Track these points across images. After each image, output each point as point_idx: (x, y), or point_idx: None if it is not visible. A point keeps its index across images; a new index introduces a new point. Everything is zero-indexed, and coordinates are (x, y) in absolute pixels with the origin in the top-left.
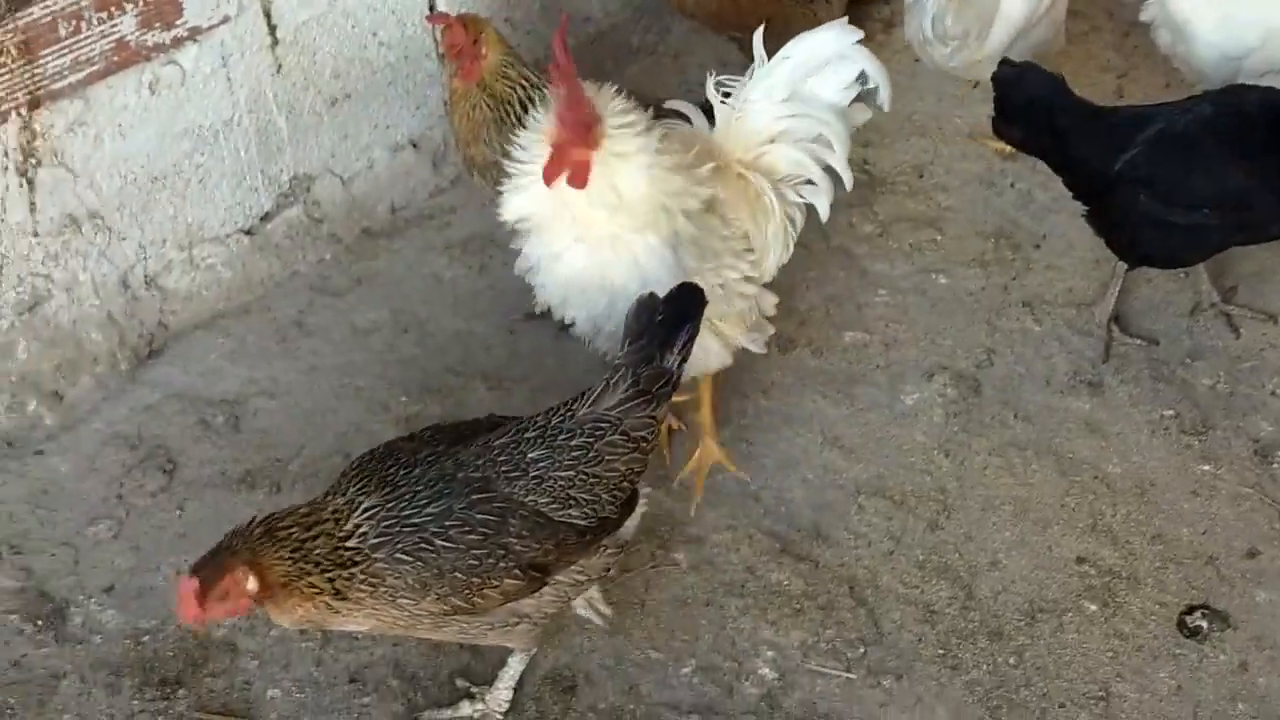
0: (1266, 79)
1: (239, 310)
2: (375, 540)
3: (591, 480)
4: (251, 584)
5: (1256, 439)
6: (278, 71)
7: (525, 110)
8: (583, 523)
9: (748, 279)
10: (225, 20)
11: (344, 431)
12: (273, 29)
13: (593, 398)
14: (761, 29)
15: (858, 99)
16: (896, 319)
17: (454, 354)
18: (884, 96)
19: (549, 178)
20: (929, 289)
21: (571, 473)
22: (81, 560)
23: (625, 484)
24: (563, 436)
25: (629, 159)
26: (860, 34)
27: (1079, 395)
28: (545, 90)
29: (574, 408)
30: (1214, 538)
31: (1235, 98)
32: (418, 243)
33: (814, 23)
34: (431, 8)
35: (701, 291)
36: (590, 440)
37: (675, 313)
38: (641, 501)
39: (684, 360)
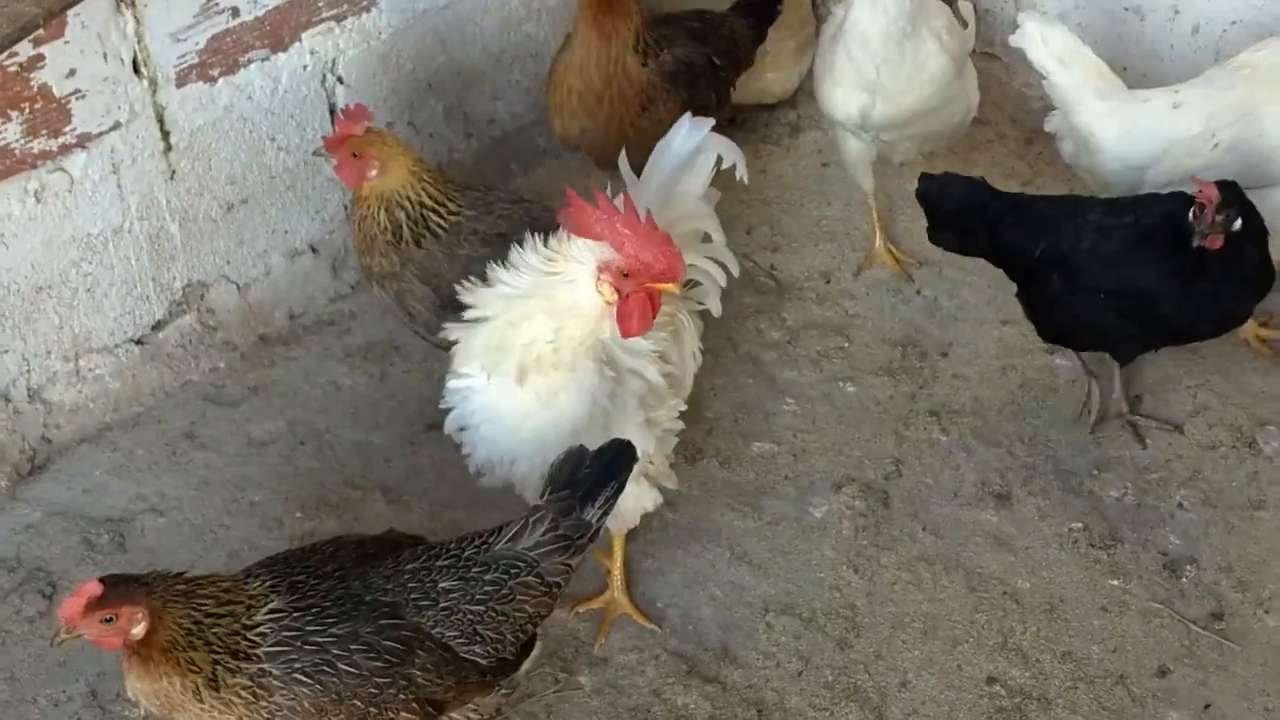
0: (1169, 190)
1: (128, 422)
2: (272, 648)
3: (500, 618)
4: (139, 629)
5: (1165, 552)
6: (171, 178)
7: (419, 228)
8: (484, 661)
9: (680, 414)
10: (116, 126)
11: (236, 549)
12: (166, 135)
13: (510, 534)
14: (623, 151)
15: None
16: (804, 429)
17: (353, 466)
18: (741, 170)
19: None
20: (837, 398)
21: (482, 608)
22: None
23: (530, 626)
24: (476, 569)
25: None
26: (711, 121)
27: (986, 507)
28: (445, 208)
29: (490, 541)
30: (1124, 656)
31: (1149, 203)
32: (316, 350)
33: None
34: (332, 111)
35: (634, 450)
36: (504, 577)
37: (603, 468)
38: (539, 645)
39: (605, 515)
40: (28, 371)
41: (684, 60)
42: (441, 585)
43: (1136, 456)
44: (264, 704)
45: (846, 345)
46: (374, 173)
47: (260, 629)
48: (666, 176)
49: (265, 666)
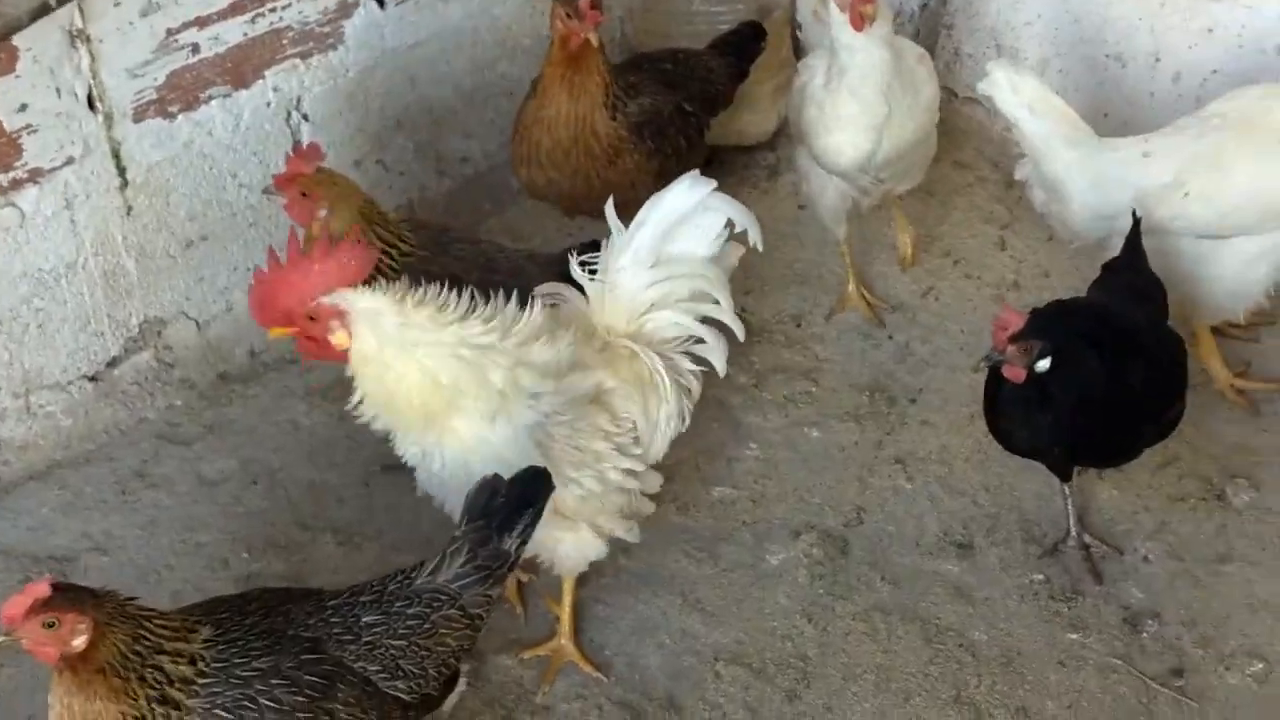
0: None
1: (78, 460)
2: (198, 685)
3: (422, 653)
4: (80, 640)
5: (1127, 606)
6: (127, 213)
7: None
8: (407, 697)
9: (630, 472)
10: (69, 162)
11: (179, 590)
12: (122, 170)
13: (430, 569)
14: (611, 201)
15: (728, 240)
16: (766, 474)
17: (305, 507)
18: (755, 237)
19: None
20: (801, 443)
21: (404, 642)
22: None
23: (452, 660)
24: (399, 604)
25: (420, 346)
26: (713, 182)
27: (948, 558)
28: (396, 249)
29: (411, 576)
30: (1080, 713)
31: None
32: (276, 388)
33: None
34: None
35: (548, 477)
36: (426, 611)
37: (518, 496)
38: (462, 681)
39: (524, 543)
40: None
41: (651, 110)
42: (364, 620)
43: (1103, 507)
44: None
45: (814, 390)
46: (323, 213)
47: (197, 666)
48: (657, 230)
49: (186, 704)
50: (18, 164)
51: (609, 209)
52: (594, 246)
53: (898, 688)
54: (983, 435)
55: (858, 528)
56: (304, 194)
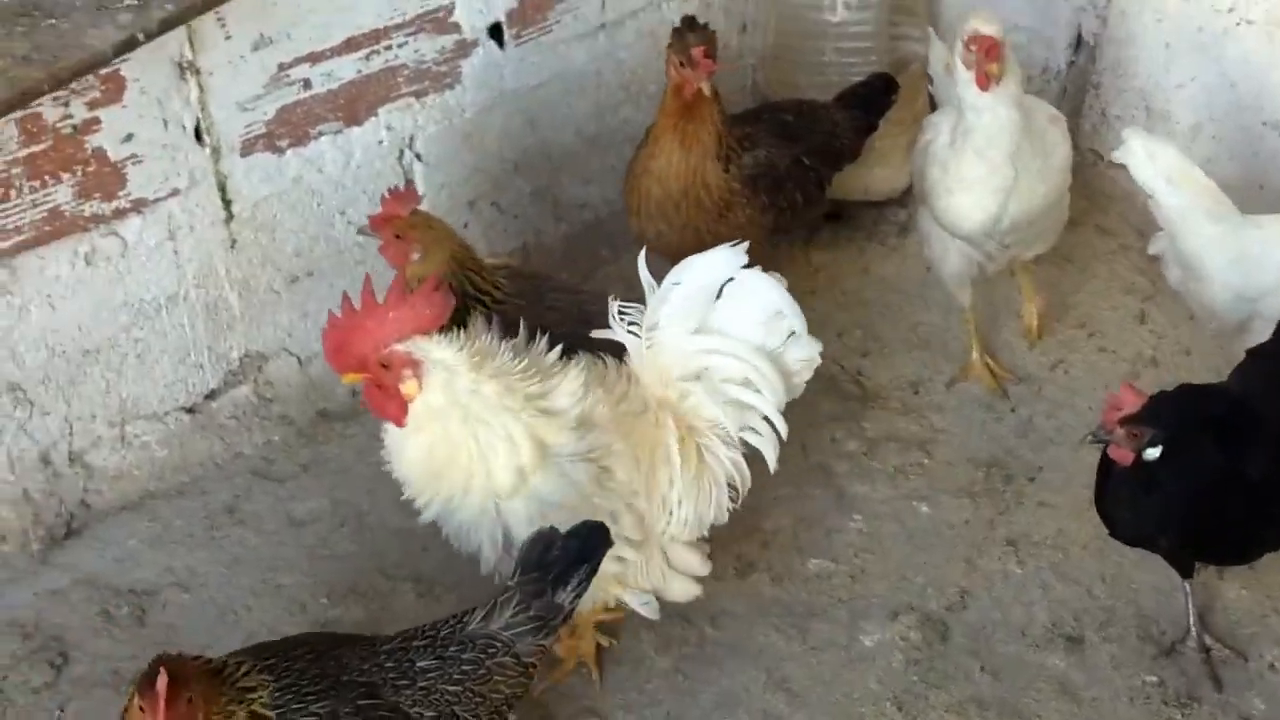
0: None
1: (171, 492)
2: None
3: (476, 699)
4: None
5: (1246, 717)
6: (231, 247)
7: (461, 315)
8: None
9: (627, 540)
10: (174, 193)
11: (254, 631)
12: (228, 203)
13: (483, 614)
14: (644, 252)
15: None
16: (868, 548)
17: (390, 554)
18: (798, 326)
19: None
20: (908, 518)
21: (459, 688)
22: None
23: (505, 708)
24: (454, 648)
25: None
26: (744, 257)
27: (1055, 650)
28: (490, 297)
29: (465, 620)
30: None
31: None
32: (374, 428)
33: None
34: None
35: (606, 532)
36: (481, 656)
37: (574, 551)
38: None
39: (578, 597)
40: (70, 435)
41: (766, 164)
42: (419, 665)
43: (1229, 607)
44: None
45: (926, 461)
46: (416, 256)
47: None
48: (691, 294)
49: None
50: (121, 193)
51: (640, 260)
52: None
53: None
54: (1098, 524)
55: (961, 612)
56: (398, 236)
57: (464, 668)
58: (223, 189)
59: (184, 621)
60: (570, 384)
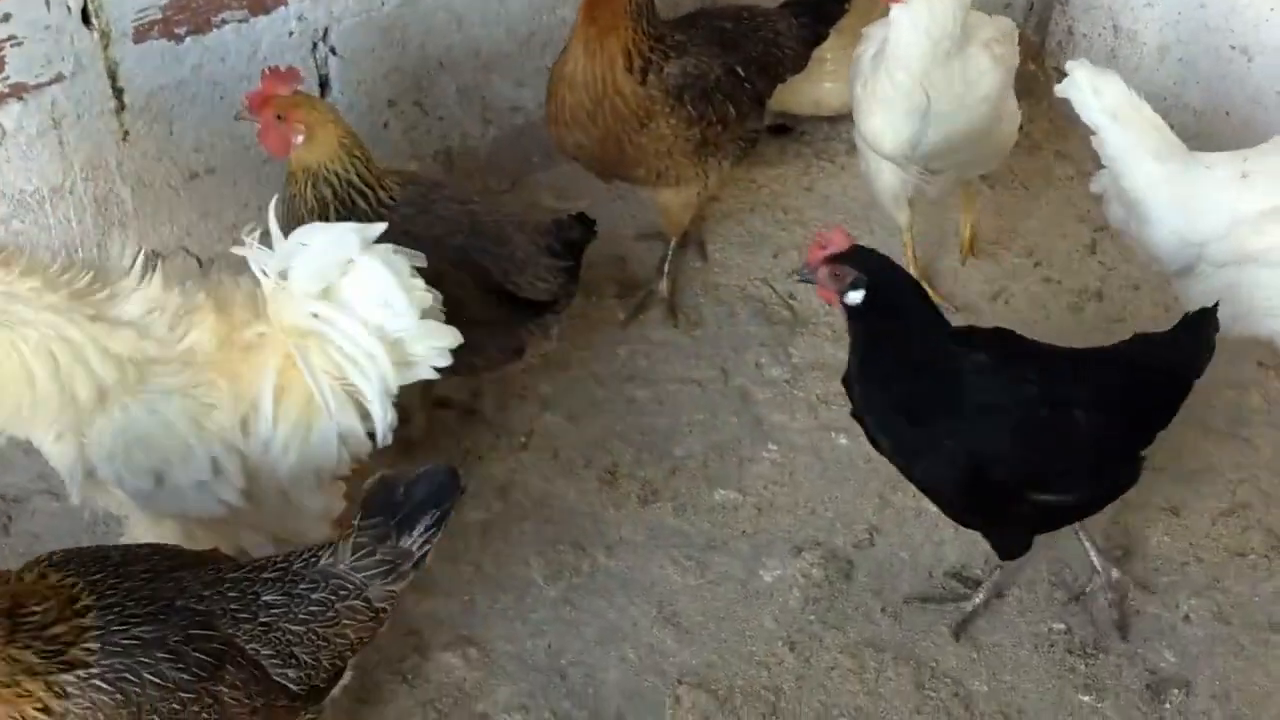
0: (1227, 270)
1: None
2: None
3: (319, 643)
4: None
5: (1154, 670)
6: (124, 139)
7: (345, 209)
8: (295, 687)
9: (233, 486)
10: (58, 79)
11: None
12: (119, 93)
13: (331, 553)
14: (275, 201)
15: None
16: (779, 480)
17: None
18: (406, 325)
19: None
20: (825, 450)
21: (303, 628)
22: None
23: (347, 654)
24: (303, 586)
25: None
26: (374, 232)
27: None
28: (374, 194)
29: (319, 555)
30: None
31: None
32: None
33: (703, 182)
34: (323, 84)
35: (458, 477)
36: (332, 599)
37: (420, 495)
38: (348, 673)
39: (428, 543)
40: None
41: (694, 74)
42: (264, 598)
43: (1149, 553)
44: (57, 715)
45: None
46: (299, 138)
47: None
48: (316, 262)
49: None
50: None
51: (270, 211)
52: (588, 221)
53: None
54: None
55: (868, 549)
56: (280, 118)
57: (311, 608)
58: (113, 76)
59: (50, 530)
60: (149, 293)
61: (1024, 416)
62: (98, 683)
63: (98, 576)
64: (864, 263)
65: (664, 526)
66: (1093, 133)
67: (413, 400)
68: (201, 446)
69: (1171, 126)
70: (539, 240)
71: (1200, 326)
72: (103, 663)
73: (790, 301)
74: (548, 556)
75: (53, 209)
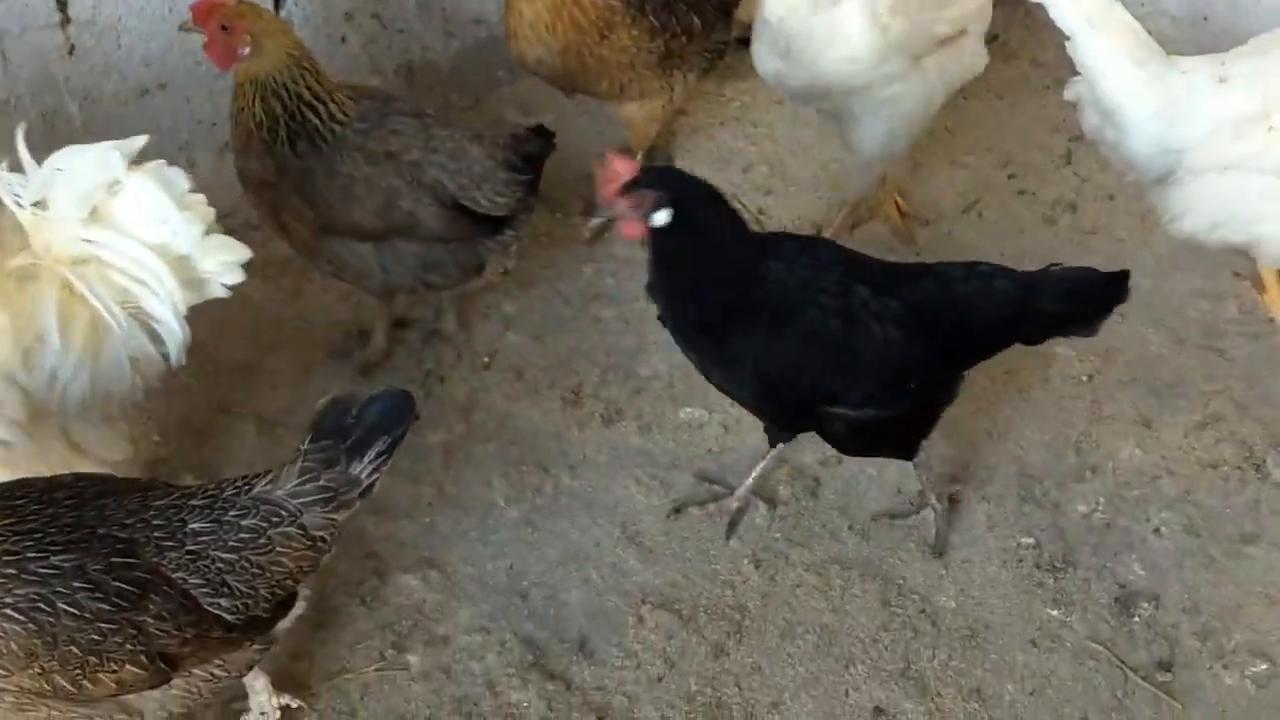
0: (1205, 177)
1: None
2: None
3: (254, 571)
4: None
5: (1123, 584)
6: (70, 53)
7: (295, 125)
8: (230, 617)
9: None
10: None
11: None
12: (62, 5)
13: (269, 479)
14: (20, 129)
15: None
16: None
17: (235, 390)
18: (185, 242)
19: None
20: None
21: (234, 556)
22: None
23: (288, 583)
24: (234, 513)
25: None
26: (135, 146)
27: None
28: (325, 108)
29: (251, 483)
30: (1042, 701)
31: None
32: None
33: (668, 95)
34: (277, 5)
35: (413, 401)
36: (263, 525)
37: (374, 418)
38: (300, 604)
39: (377, 471)
40: None
41: None
42: (191, 526)
43: (1119, 466)
44: None
45: None
46: (245, 50)
47: None
48: (75, 185)
49: None
50: None
51: (18, 135)
52: (546, 133)
53: (840, 653)
54: (1001, 374)
55: (835, 467)
56: (225, 28)
57: (241, 535)
58: None
59: None
60: None
61: (811, 329)
62: (9, 612)
63: (20, 502)
64: (661, 182)
65: (628, 446)
66: (1067, 39)
67: (372, 320)
68: None
69: (1149, 33)
70: (496, 154)
71: (1109, 286)
72: (16, 592)
73: (760, 217)
74: (510, 478)
75: None
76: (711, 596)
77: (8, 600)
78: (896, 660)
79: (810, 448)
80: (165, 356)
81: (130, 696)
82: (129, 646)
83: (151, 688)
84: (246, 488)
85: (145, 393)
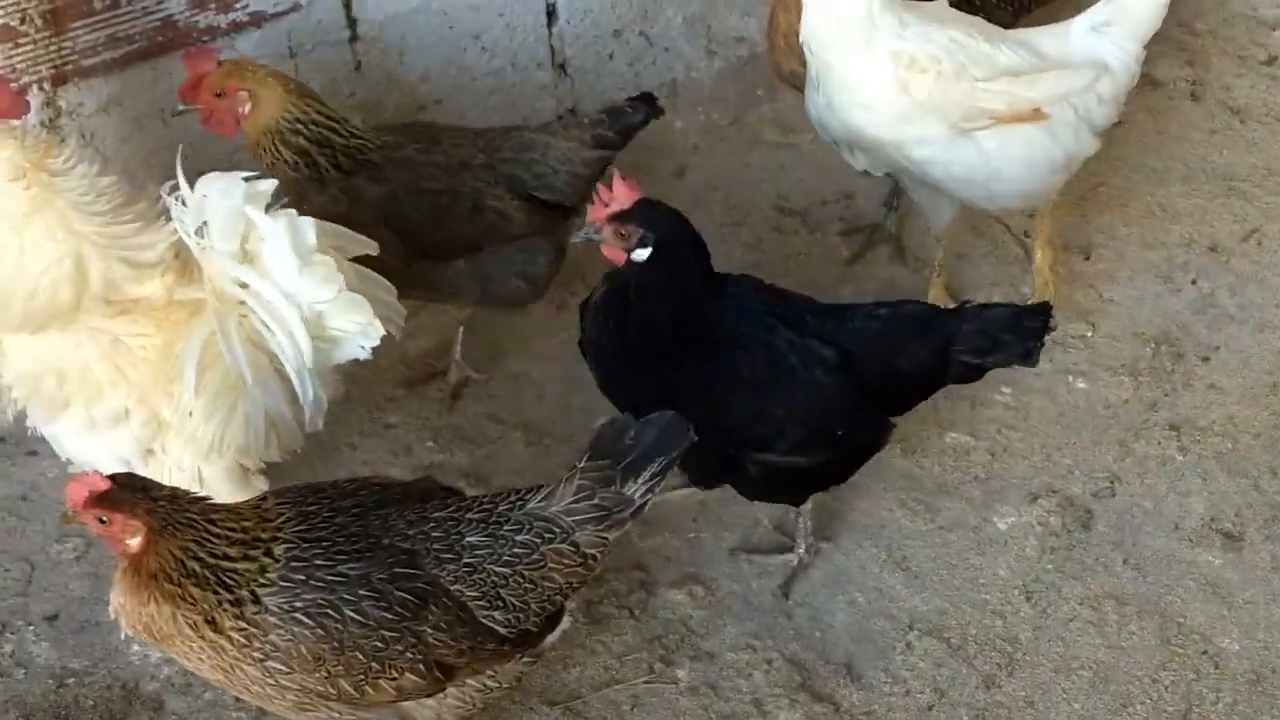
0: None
1: None
2: (275, 584)
3: (526, 585)
4: (133, 542)
5: None
6: (356, 69)
7: (330, 151)
8: (503, 630)
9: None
10: (295, 8)
11: (356, 472)
12: (352, 22)
13: (544, 494)
14: (180, 150)
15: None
16: (1014, 424)
17: (503, 399)
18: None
19: None
20: (1061, 394)
21: (508, 570)
22: (35, 581)
23: (558, 598)
24: (508, 527)
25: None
26: (266, 186)
27: (1210, 547)
28: (340, 121)
29: (526, 498)
30: None
31: None
32: None
33: None
34: (550, 12)
35: (687, 427)
36: (536, 541)
37: (649, 441)
38: (566, 619)
39: (650, 491)
40: None
41: None
42: (468, 539)
43: None
44: (257, 645)
45: (1089, 334)
46: (246, 107)
47: (277, 563)
48: (219, 213)
49: (264, 603)
50: (238, 5)
51: (178, 163)
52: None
53: (1117, 690)
54: None
55: (1108, 499)
56: (219, 95)
57: (516, 550)
58: (347, 6)
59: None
60: (162, 237)
61: (741, 378)
62: (300, 616)
63: (312, 509)
64: (650, 220)
65: (892, 469)
66: None
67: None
68: (115, 393)
69: None
70: (583, 135)
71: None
72: (305, 597)
73: (1025, 240)
74: None
75: None
76: (981, 627)
77: (298, 604)
78: (1177, 701)
79: (1080, 478)
80: (300, 422)
81: (407, 704)
82: (409, 655)
83: (428, 696)
84: (520, 503)
85: (283, 455)
